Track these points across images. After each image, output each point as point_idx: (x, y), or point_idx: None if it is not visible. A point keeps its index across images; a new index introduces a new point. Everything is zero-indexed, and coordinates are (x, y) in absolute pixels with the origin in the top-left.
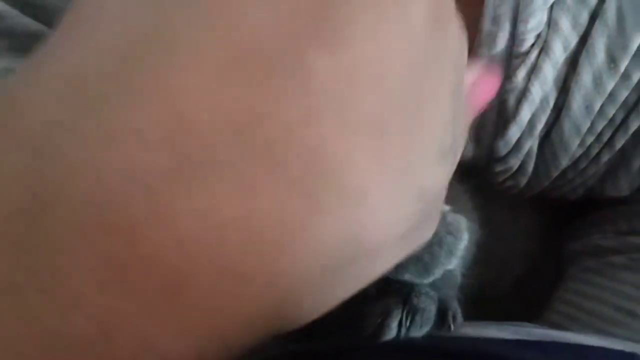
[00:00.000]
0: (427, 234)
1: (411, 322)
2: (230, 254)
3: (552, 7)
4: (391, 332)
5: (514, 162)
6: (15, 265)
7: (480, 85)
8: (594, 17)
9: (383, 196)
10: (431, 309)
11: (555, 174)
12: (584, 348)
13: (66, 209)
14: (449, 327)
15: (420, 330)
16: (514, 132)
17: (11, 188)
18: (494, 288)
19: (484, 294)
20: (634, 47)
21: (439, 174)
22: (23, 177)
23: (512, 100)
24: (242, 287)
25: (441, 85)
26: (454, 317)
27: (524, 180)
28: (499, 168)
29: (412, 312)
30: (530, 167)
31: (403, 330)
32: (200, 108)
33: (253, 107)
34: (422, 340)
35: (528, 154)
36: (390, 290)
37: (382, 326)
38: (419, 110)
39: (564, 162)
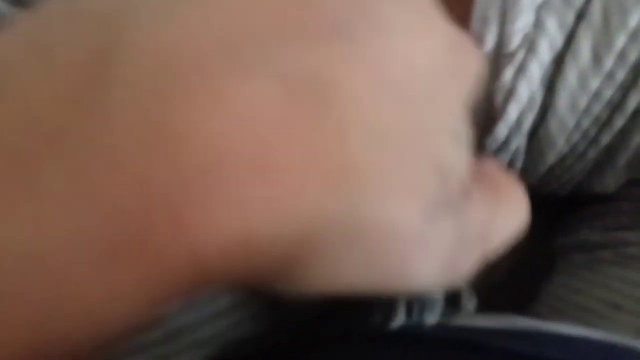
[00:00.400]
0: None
1: (421, 307)
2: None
3: (539, 8)
4: (400, 318)
5: (503, 160)
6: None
7: None
8: (579, 17)
9: (393, 147)
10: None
11: (542, 170)
12: (567, 338)
13: (128, 74)
14: (463, 309)
15: (432, 315)
16: (502, 130)
17: (78, 51)
18: (485, 282)
19: (474, 288)
20: (619, 46)
21: (454, 155)
22: (92, 41)
23: (499, 98)
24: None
25: (453, 89)
26: (466, 301)
27: None
28: None
29: (418, 297)
30: (519, 164)
31: (414, 315)
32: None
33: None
34: (404, 329)
35: (516, 151)
36: None
37: (390, 310)
38: (432, 96)
39: (551, 158)
